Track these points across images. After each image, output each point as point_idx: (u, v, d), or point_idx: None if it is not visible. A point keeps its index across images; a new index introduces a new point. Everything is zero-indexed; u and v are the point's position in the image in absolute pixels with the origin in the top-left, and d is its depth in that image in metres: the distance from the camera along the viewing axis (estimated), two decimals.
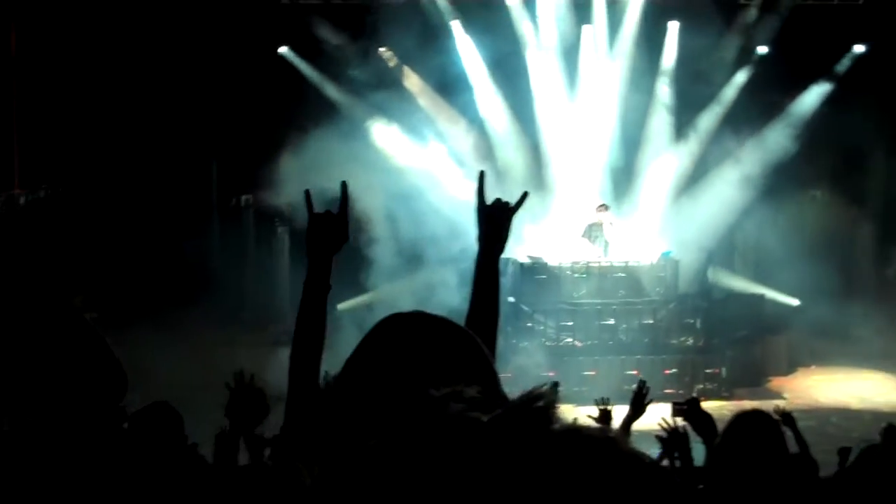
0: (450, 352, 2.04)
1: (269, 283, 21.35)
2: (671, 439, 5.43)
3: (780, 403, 6.55)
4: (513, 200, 3.31)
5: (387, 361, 2.01)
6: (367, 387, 1.99)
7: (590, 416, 6.13)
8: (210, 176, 21.72)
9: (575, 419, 1.38)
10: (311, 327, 2.90)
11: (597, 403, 6.24)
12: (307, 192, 3.19)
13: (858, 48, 21.79)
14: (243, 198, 21.73)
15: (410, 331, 2.09)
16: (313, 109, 19.86)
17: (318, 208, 3.08)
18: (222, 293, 19.04)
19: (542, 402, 1.37)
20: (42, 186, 18.80)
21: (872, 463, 5.84)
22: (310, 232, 3.07)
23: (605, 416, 6.42)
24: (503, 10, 21.09)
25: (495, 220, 3.29)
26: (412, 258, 19.41)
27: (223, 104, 20.05)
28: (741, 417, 4.16)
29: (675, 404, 5.80)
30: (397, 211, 19.45)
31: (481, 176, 3.30)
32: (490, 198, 3.32)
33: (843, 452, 7.49)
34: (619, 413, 6.41)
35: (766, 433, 4.00)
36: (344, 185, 3.12)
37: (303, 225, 3.09)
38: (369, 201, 18.54)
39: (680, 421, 5.59)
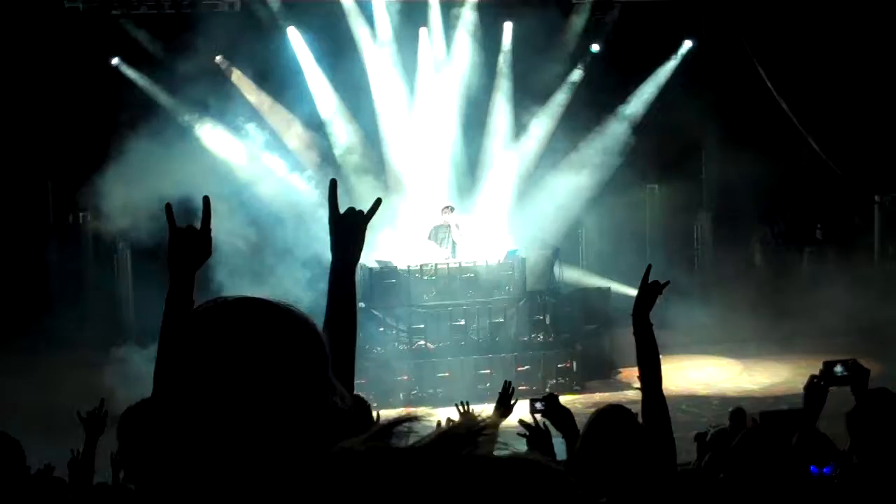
0: (282, 340, 1.86)
1: (111, 301, 20.75)
2: (533, 437, 5.42)
3: (630, 394, 6.68)
4: (362, 206, 3.27)
5: (210, 354, 1.81)
6: (190, 385, 1.79)
7: (450, 420, 6.07)
8: (46, 195, 21.03)
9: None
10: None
11: (457, 406, 6.18)
12: (168, 206, 3.10)
13: (688, 43, 22.35)
14: (80, 214, 21.08)
15: (237, 318, 1.88)
16: (152, 122, 19.41)
17: (152, 218, 3.09)
18: (64, 315, 18.45)
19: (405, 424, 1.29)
20: None
21: (724, 445, 5.97)
22: (171, 247, 2.97)
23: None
24: (338, 14, 20.96)
25: (349, 228, 3.26)
26: (260, 263, 19.08)
27: (56, 120, 19.44)
28: (602, 413, 4.22)
29: (532, 401, 5.79)
30: (241, 217, 19.14)
31: (333, 185, 3.21)
32: (341, 205, 3.29)
33: (700, 437, 7.64)
34: (479, 413, 6.37)
35: (628, 427, 4.06)
36: (206, 200, 3.05)
37: (144, 239, 3.00)
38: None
39: (539, 417, 5.59)
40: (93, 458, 6.09)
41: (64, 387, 14.80)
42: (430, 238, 19.32)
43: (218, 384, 1.76)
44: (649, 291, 4.65)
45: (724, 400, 16.14)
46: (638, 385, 4.56)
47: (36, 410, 13.80)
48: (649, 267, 4.71)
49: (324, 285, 3.22)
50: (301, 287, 17.09)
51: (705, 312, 20.30)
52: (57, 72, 19.03)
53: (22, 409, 13.57)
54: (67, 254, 20.72)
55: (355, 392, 4.27)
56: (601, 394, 17.14)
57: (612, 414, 4.18)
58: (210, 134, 20.66)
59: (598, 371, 18.82)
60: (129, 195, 18.16)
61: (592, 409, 6.43)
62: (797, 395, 5.41)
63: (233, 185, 19.57)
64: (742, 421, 8.69)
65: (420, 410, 5.76)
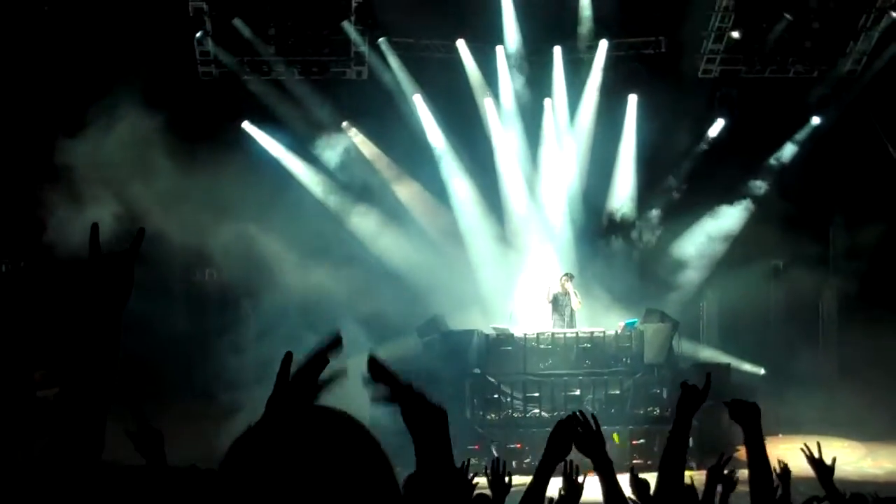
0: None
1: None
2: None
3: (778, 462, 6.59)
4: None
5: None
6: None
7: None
8: (173, 254, 21.59)
9: None
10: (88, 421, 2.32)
11: (563, 473, 6.09)
12: (94, 227, 2.53)
13: (815, 120, 22.09)
14: (206, 272, 21.55)
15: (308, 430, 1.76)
16: (278, 185, 19.90)
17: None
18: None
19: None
20: (2, 260, 18.61)
21: None
22: (91, 278, 2.45)
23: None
24: (463, 84, 21.28)
25: None
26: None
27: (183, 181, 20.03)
28: None
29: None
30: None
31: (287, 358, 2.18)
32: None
33: None
34: (588, 484, 6.31)
35: None
36: (140, 231, 2.54)
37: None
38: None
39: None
40: None
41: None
42: (549, 302, 19.28)
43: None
44: (695, 393, 4.49)
45: (843, 484, 15.60)
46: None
47: None
48: (708, 376, 4.49)
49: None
50: None
51: (828, 392, 19.80)
52: (191, 134, 19.60)
53: None
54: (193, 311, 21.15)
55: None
56: None
57: None
58: (335, 197, 21.06)
59: (716, 448, 18.39)
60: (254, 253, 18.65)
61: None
62: None
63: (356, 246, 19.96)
64: None
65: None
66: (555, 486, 6.19)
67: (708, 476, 6.38)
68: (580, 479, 5.91)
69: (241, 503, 1.69)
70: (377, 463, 1.76)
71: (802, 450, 5.92)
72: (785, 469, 6.41)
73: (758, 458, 4.35)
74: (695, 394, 4.44)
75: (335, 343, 2.05)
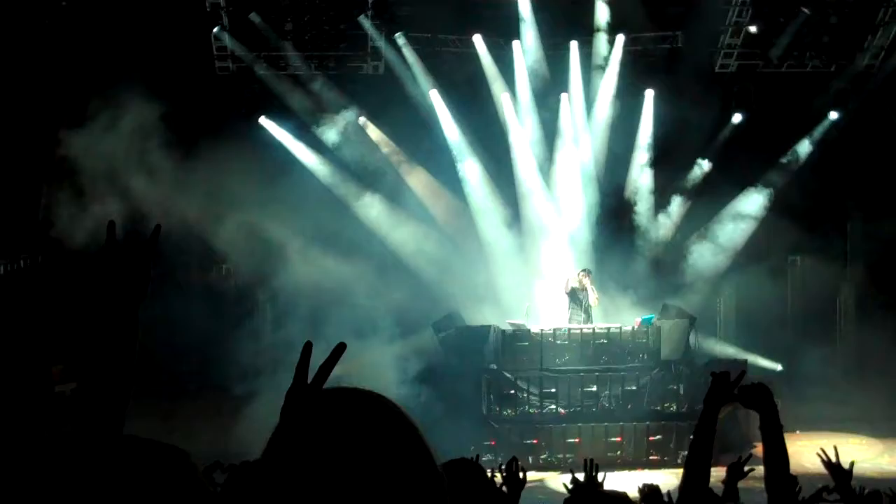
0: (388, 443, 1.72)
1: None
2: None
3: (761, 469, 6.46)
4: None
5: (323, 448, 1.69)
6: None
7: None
8: (194, 250, 21.63)
9: None
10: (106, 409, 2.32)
11: (584, 468, 6.07)
12: (111, 224, 2.56)
13: (833, 114, 22.00)
14: (224, 267, 21.61)
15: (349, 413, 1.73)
16: (295, 180, 19.94)
17: None
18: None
19: None
20: (21, 255, 18.69)
21: None
22: (108, 274, 2.43)
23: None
24: (480, 79, 21.29)
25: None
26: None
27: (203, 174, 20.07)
28: None
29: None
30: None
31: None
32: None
33: None
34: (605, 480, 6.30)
35: None
36: (157, 228, 2.57)
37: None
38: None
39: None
40: None
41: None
42: (567, 294, 19.25)
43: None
44: (722, 384, 4.31)
45: (861, 481, 15.54)
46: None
47: None
48: (742, 372, 4.37)
49: None
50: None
51: (846, 388, 19.73)
52: (207, 128, 19.64)
53: None
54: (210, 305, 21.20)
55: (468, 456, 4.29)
56: None
57: None
58: (352, 192, 21.10)
59: (733, 444, 18.38)
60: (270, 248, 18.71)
61: (724, 481, 6.37)
62: None
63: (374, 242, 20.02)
64: None
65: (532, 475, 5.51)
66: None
67: (728, 473, 6.36)
68: (599, 476, 5.92)
69: (293, 497, 1.67)
70: (414, 439, 1.74)
71: (819, 454, 5.85)
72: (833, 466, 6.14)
73: (774, 441, 4.23)
74: (725, 384, 4.32)
75: (339, 351, 2.01)
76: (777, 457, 4.19)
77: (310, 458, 1.68)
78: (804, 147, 22.12)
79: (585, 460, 6.04)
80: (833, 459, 5.80)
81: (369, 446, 1.68)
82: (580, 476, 6.16)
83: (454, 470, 3.89)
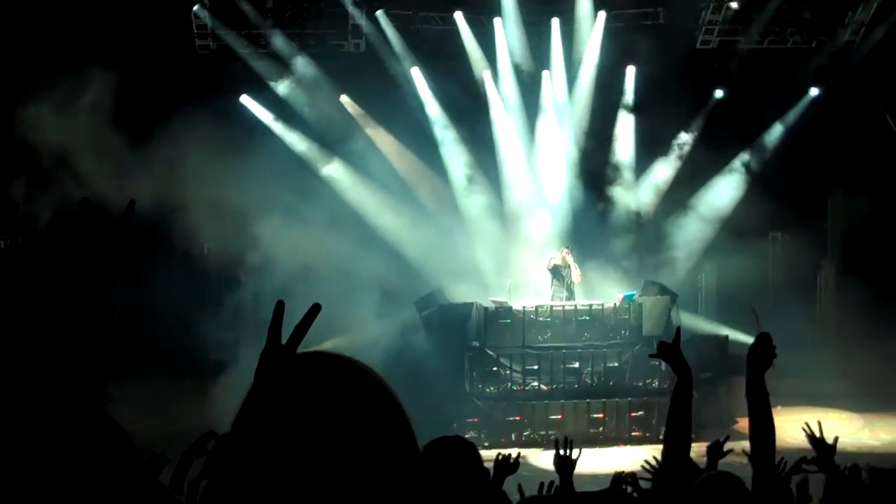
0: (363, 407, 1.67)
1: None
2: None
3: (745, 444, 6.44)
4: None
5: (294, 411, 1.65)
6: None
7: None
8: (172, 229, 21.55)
9: None
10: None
11: (557, 445, 6.07)
12: (84, 201, 2.46)
13: (814, 91, 22.02)
14: (205, 247, 21.52)
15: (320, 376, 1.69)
16: (276, 158, 19.87)
17: None
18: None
19: None
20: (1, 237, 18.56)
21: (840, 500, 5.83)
22: (82, 252, 2.37)
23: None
24: (461, 57, 21.24)
25: None
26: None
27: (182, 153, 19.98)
28: (710, 481, 4.02)
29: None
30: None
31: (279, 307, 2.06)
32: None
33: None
34: (582, 457, 6.30)
35: (738, 499, 3.88)
36: (131, 203, 2.48)
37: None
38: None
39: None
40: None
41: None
42: (549, 270, 19.26)
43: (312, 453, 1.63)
44: (762, 348, 4.08)
45: (841, 456, 15.65)
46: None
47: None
48: (755, 315, 4.22)
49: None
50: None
51: (826, 363, 19.82)
52: (187, 108, 19.52)
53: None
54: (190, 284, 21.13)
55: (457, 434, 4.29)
56: None
57: (721, 483, 3.98)
58: (334, 171, 21.08)
59: (714, 420, 18.48)
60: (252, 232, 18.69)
61: (705, 458, 6.41)
62: None
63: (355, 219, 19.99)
64: (857, 479, 8.44)
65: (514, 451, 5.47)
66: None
67: (708, 453, 6.39)
68: (573, 453, 5.94)
69: (260, 464, 1.63)
70: (391, 405, 1.70)
71: (804, 429, 5.86)
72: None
73: (760, 407, 4.07)
74: (768, 345, 4.11)
75: (314, 312, 1.96)
76: (763, 424, 4.08)
77: (283, 422, 1.63)
78: (785, 123, 22.15)
79: (556, 439, 6.07)
80: (817, 434, 5.82)
81: (344, 411, 1.64)
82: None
83: (446, 447, 3.88)
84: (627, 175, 21.88)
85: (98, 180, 17.42)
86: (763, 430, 4.05)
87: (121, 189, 17.14)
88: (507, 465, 5.45)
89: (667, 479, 4.25)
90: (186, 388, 18.36)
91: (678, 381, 4.18)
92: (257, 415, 1.67)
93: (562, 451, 5.83)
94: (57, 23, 19.07)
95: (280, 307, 1.97)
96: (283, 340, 1.92)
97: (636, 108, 21.56)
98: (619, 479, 6.33)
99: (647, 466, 6.15)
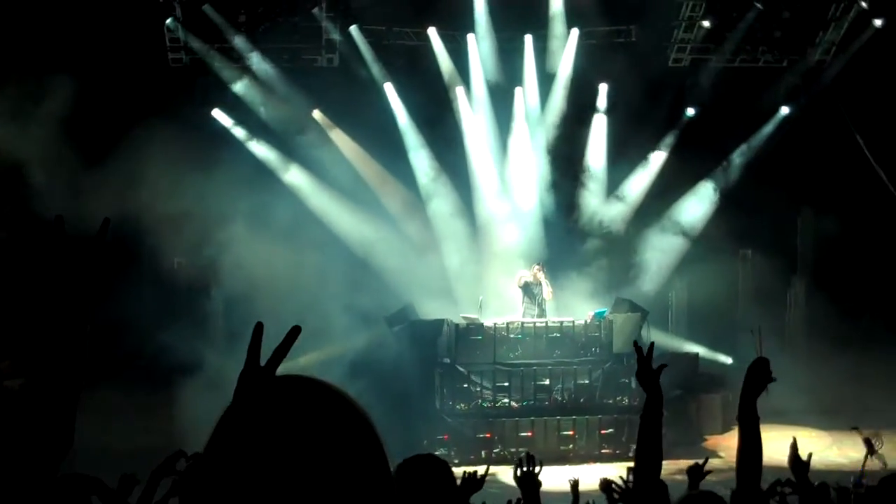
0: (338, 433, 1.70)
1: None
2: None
3: (715, 462, 6.50)
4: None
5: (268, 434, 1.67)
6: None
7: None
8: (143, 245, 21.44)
9: None
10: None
11: (519, 463, 6.05)
12: (59, 219, 2.43)
13: (785, 109, 22.18)
14: (175, 261, 21.40)
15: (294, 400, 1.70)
16: (248, 173, 19.81)
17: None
18: None
19: None
20: None
21: None
22: (58, 268, 2.35)
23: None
24: (434, 73, 21.27)
25: None
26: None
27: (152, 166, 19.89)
28: (692, 500, 4.04)
29: (629, 469, 5.79)
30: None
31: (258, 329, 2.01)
32: None
33: None
34: (551, 474, 6.29)
35: None
36: (106, 221, 2.45)
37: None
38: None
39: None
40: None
41: None
42: (520, 287, 19.24)
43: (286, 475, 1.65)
44: (758, 373, 4.08)
45: (810, 474, 15.73)
46: (722, 454, 4.35)
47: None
48: (758, 337, 4.29)
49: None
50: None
51: (794, 381, 19.87)
52: (159, 122, 19.44)
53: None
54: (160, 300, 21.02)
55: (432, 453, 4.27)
56: (686, 460, 16.82)
57: (702, 502, 4.00)
58: (304, 185, 21.03)
59: (684, 437, 18.53)
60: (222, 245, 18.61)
61: (677, 476, 6.42)
62: (890, 471, 5.29)
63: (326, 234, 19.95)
64: (826, 498, 8.46)
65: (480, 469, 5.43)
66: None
67: (689, 475, 6.42)
68: (537, 469, 5.92)
69: (232, 484, 1.65)
70: (366, 430, 1.72)
71: (792, 446, 5.90)
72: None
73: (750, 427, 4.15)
74: (765, 370, 4.12)
75: (294, 334, 1.97)
76: (752, 446, 4.13)
77: (259, 444, 1.65)
78: (756, 141, 22.29)
79: (520, 457, 6.05)
80: (790, 451, 5.86)
81: (321, 435, 1.67)
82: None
83: (420, 466, 3.86)
84: (599, 191, 21.94)
85: (60, 194, 17.33)
86: (751, 452, 4.09)
87: (94, 203, 17.07)
88: (473, 482, 5.43)
89: (638, 499, 4.24)
90: (158, 399, 18.23)
91: (647, 400, 4.17)
92: (234, 435, 1.69)
93: (525, 468, 5.81)
94: (25, 32, 18.96)
95: (259, 329, 1.97)
96: (262, 362, 1.92)
97: (608, 125, 21.63)
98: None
99: (616, 487, 6.13)
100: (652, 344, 4.41)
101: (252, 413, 1.70)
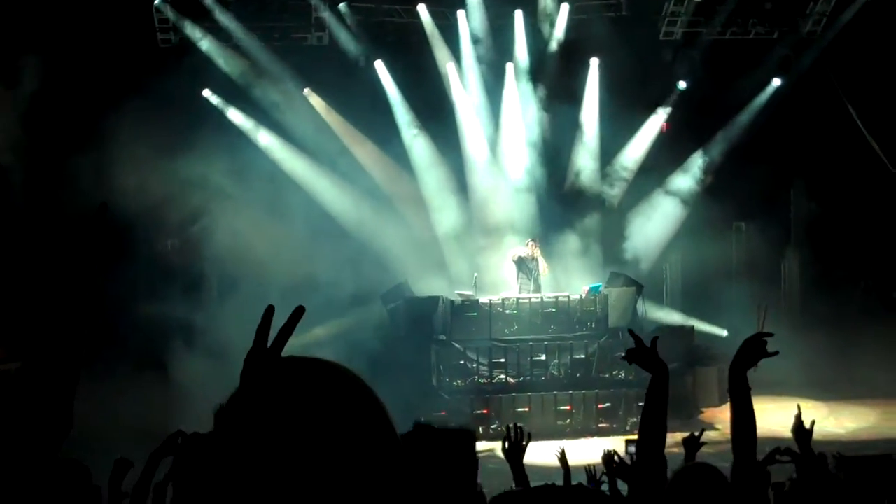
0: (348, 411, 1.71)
1: None
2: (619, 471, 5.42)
3: (712, 434, 6.53)
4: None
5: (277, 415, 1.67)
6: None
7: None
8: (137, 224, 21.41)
9: None
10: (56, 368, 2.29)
11: (507, 433, 6.07)
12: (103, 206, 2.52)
13: (776, 81, 22.13)
14: (168, 242, 21.38)
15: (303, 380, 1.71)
16: (238, 153, 19.75)
17: None
18: None
19: None
20: None
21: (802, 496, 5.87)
22: (59, 251, 2.42)
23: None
24: (425, 49, 21.20)
25: None
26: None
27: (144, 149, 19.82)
28: (689, 472, 4.04)
29: (627, 442, 5.81)
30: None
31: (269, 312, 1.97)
32: None
33: (778, 488, 7.48)
34: (548, 450, 6.32)
35: (717, 490, 3.87)
36: (103, 206, 2.52)
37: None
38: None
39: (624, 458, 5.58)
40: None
41: None
42: (514, 262, 19.22)
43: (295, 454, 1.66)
44: (752, 347, 4.09)
45: None
46: (719, 426, 4.37)
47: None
48: (765, 312, 4.25)
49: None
50: None
51: (790, 352, 19.90)
52: (150, 102, 19.36)
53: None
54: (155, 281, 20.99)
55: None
56: (682, 433, 16.84)
57: (700, 473, 3.99)
58: (296, 165, 20.98)
59: (681, 410, 18.50)
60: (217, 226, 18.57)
61: (674, 449, 6.42)
62: (886, 441, 5.32)
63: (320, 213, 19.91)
64: (824, 467, 8.48)
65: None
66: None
67: (685, 446, 6.45)
68: (524, 442, 5.94)
69: (241, 465, 1.66)
70: (376, 412, 1.73)
71: (797, 416, 5.93)
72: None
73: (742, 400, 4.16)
74: (758, 347, 4.13)
75: (298, 314, 1.96)
76: (744, 417, 4.15)
77: (268, 424, 1.66)
78: (748, 113, 22.25)
79: (507, 427, 6.07)
80: (799, 421, 5.88)
81: (330, 414, 1.67)
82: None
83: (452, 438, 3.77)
84: (592, 166, 21.90)
85: (46, 178, 17.31)
86: (744, 423, 4.10)
87: (83, 185, 17.03)
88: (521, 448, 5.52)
89: (643, 473, 4.23)
90: (149, 378, 18.22)
91: (654, 377, 4.16)
92: (243, 416, 1.69)
93: (512, 438, 5.84)
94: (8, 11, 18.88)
95: (269, 312, 1.96)
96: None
97: (600, 100, 21.58)
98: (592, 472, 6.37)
99: (617, 460, 6.16)
100: (654, 339, 4.35)
101: (261, 393, 1.71)
